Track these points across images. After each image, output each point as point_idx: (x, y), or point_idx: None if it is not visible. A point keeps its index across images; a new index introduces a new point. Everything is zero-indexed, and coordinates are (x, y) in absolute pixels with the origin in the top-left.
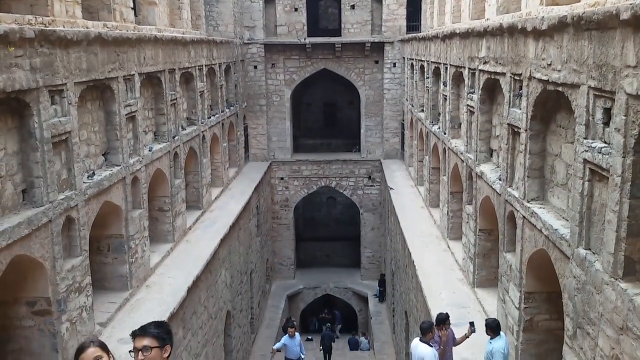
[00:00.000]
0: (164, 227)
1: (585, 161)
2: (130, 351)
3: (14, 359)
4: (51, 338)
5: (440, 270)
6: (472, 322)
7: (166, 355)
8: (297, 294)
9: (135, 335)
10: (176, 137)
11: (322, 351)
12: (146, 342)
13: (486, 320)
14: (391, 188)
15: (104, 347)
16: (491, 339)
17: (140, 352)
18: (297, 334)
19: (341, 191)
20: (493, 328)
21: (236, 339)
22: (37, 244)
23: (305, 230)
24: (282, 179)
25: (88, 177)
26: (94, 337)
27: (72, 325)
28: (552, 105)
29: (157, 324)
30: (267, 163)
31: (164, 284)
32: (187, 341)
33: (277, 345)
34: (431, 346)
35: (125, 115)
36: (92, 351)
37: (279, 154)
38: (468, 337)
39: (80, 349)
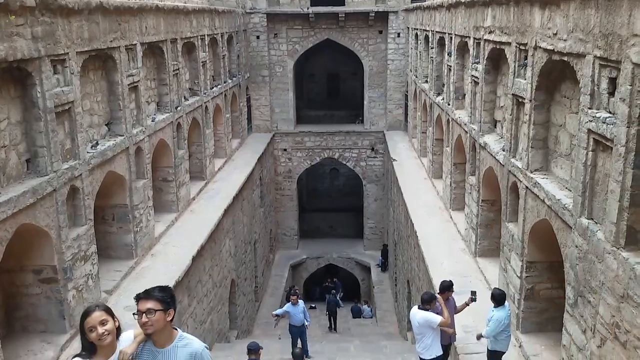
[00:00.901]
0: (168, 198)
1: (590, 131)
2: (134, 314)
3: (22, 326)
4: (58, 305)
5: (443, 241)
6: (474, 292)
7: (169, 319)
8: (300, 263)
9: (139, 298)
10: (179, 108)
11: (327, 315)
12: (150, 305)
13: (492, 290)
14: (394, 159)
15: (109, 311)
16: (495, 307)
17: (144, 314)
18: (300, 301)
19: (344, 163)
20: (498, 299)
21: (241, 307)
22: (42, 212)
23: (308, 202)
24: (285, 150)
25: (91, 147)
26: (99, 302)
27: (79, 292)
28: (557, 76)
29: (161, 288)
30: (270, 134)
31: (169, 253)
32: (192, 308)
33: (278, 311)
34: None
35: (128, 85)
36: (98, 315)
37: (282, 125)
38: (468, 305)
39: (86, 313)
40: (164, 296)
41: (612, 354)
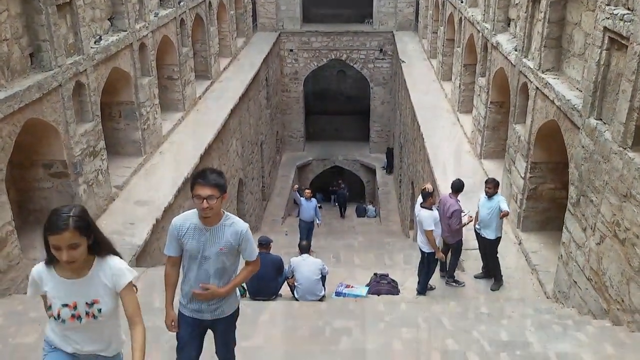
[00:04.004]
0: (173, 96)
1: (605, 29)
2: (193, 197)
3: (35, 218)
4: (69, 199)
5: (449, 143)
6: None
7: (223, 202)
8: (306, 165)
9: (196, 182)
10: (182, 3)
11: (337, 206)
12: (210, 191)
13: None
14: (403, 61)
15: (82, 229)
16: (489, 197)
17: (204, 200)
18: (313, 199)
19: (352, 64)
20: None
21: (248, 205)
22: (48, 108)
23: (314, 104)
24: (291, 50)
25: (95, 42)
26: (75, 212)
27: (89, 187)
28: None
29: (218, 174)
30: (276, 34)
31: (177, 151)
32: None
33: (296, 195)
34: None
35: None
36: (68, 237)
37: (288, 24)
38: (466, 224)
39: (52, 228)
40: (222, 182)
41: (610, 250)
